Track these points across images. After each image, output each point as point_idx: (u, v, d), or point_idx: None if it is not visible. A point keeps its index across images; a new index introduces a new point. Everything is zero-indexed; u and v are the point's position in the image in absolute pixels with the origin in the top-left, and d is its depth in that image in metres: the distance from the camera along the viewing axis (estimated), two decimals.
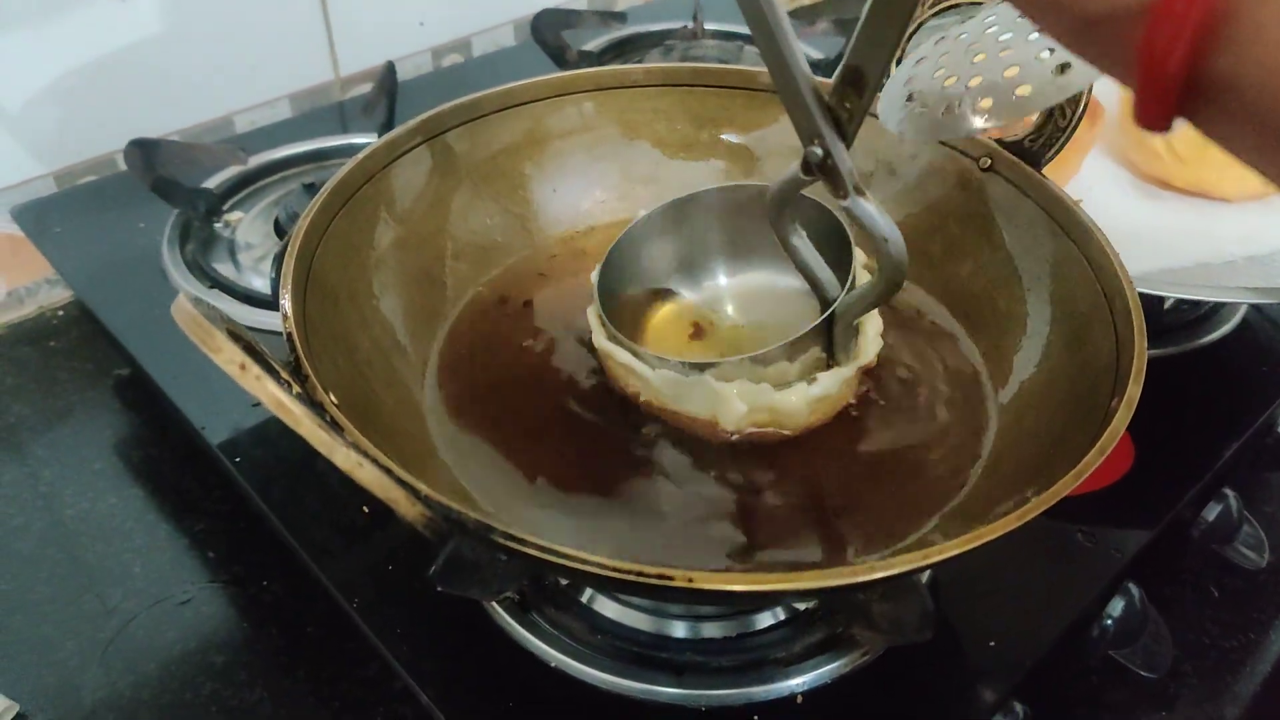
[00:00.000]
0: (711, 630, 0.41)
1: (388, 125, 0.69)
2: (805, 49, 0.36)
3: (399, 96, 0.73)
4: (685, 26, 0.84)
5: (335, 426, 0.29)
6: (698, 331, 0.45)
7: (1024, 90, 0.33)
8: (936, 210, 0.46)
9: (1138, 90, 0.19)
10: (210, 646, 0.45)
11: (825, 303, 0.41)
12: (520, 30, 0.88)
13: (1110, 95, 0.62)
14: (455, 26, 0.84)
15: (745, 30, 0.83)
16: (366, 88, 0.78)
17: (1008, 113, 0.33)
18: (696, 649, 0.41)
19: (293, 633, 0.46)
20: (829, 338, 0.41)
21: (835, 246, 0.41)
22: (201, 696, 0.43)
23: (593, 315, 0.42)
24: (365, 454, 0.27)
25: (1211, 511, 0.52)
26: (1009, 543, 0.45)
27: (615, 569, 0.27)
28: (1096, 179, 0.61)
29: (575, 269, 0.48)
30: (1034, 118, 0.43)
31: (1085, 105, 0.41)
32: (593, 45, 0.82)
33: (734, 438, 0.41)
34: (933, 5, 0.44)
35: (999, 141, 0.45)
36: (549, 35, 0.76)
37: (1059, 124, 0.42)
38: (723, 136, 0.51)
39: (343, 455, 0.26)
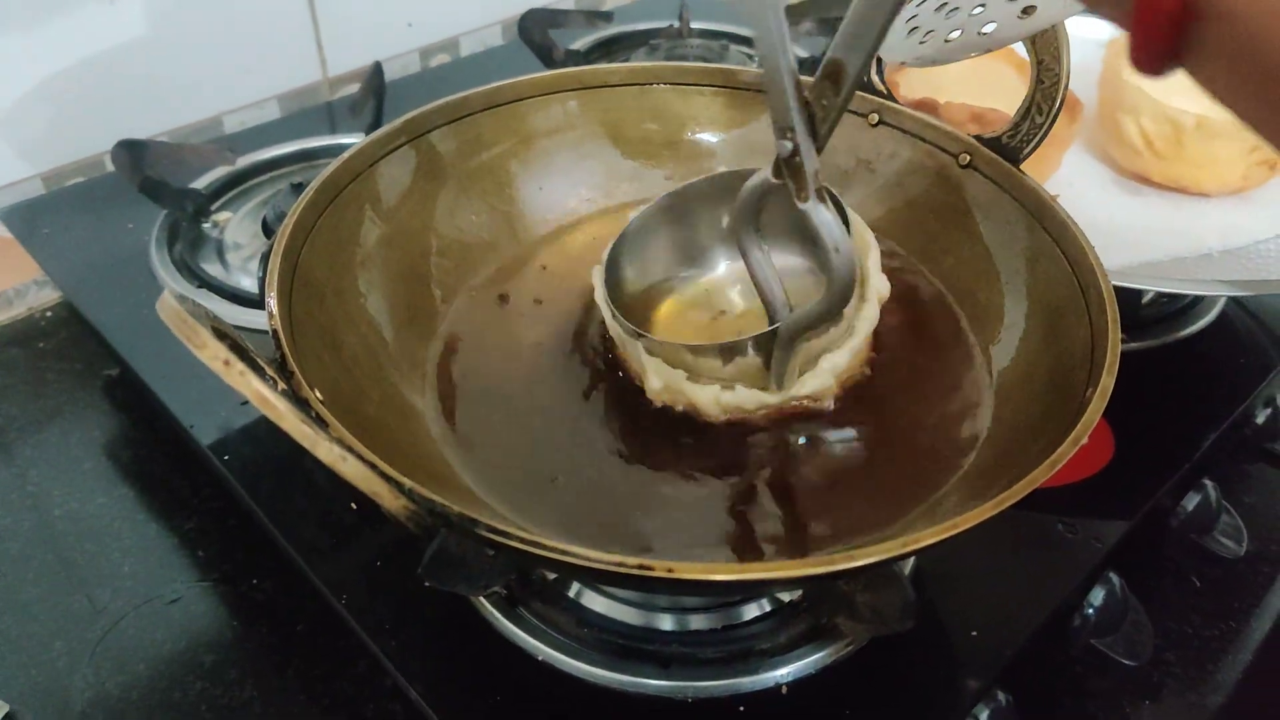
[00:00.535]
0: (698, 622, 0.42)
1: (375, 125, 0.69)
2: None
3: (387, 97, 0.73)
4: (671, 26, 0.84)
5: (320, 422, 0.29)
6: (717, 318, 0.45)
7: (1029, 10, 0.33)
8: (916, 206, 0.47)
9: (1134, 21, 0.19)
10: (200, 645, 0.45)
11: (773, 319, 0.40)
12: (508, 30, 0.89)
13: (1089, 92, 0.62)
14: (443, 27, 0.85)
15: (731, 29, 0.85)
16: (355, 88, 0.78)
17: (1011, 33, 0.33)
18: (683, 641, 0.41)
19: (283, 631, 0.46)
20: (768, 356, 0.40)
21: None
22: (191, 695, 0.43)
23: (597, 277, 0.42)
24: (349, 448, 0.27)
25: (1191, 501, 0.52)
26: (990, 533, 0.46)
27: (596, 560, 0.28)
28: (1076, 175, 0.62)
29: (562, 266, 0.49)
30: (1010, 114, 0.44)
31: (1062, 101, 0.42)
32: (580, 44, 0.82)
33: (659, 405, 0.41)
34: None
35: (977, 138, 0.45)
36: (536, 35, 0.76)
37: (1036, 120, 0.43)
38: (705, 135, 0.51)
39: (325, 449, 0.26)
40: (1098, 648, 0.47)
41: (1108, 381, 0.34)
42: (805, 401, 0.41)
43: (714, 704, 0.39)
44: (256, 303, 0.57)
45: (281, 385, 0.30)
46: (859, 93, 0.48)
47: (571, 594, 0.43)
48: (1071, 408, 0.34)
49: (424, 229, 0.46)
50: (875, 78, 0.48)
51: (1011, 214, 0.43)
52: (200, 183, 0.66)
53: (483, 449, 0.40)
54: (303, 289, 0.38)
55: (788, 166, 0.34)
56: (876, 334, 0.43)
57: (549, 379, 0.44)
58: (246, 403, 0.51)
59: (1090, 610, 0.47)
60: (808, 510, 0.39)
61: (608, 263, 0.42)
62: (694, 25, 0.84)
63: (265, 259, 0.56)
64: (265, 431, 0.51)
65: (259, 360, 0.30)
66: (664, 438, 0.42)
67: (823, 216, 0.34)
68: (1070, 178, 0.61)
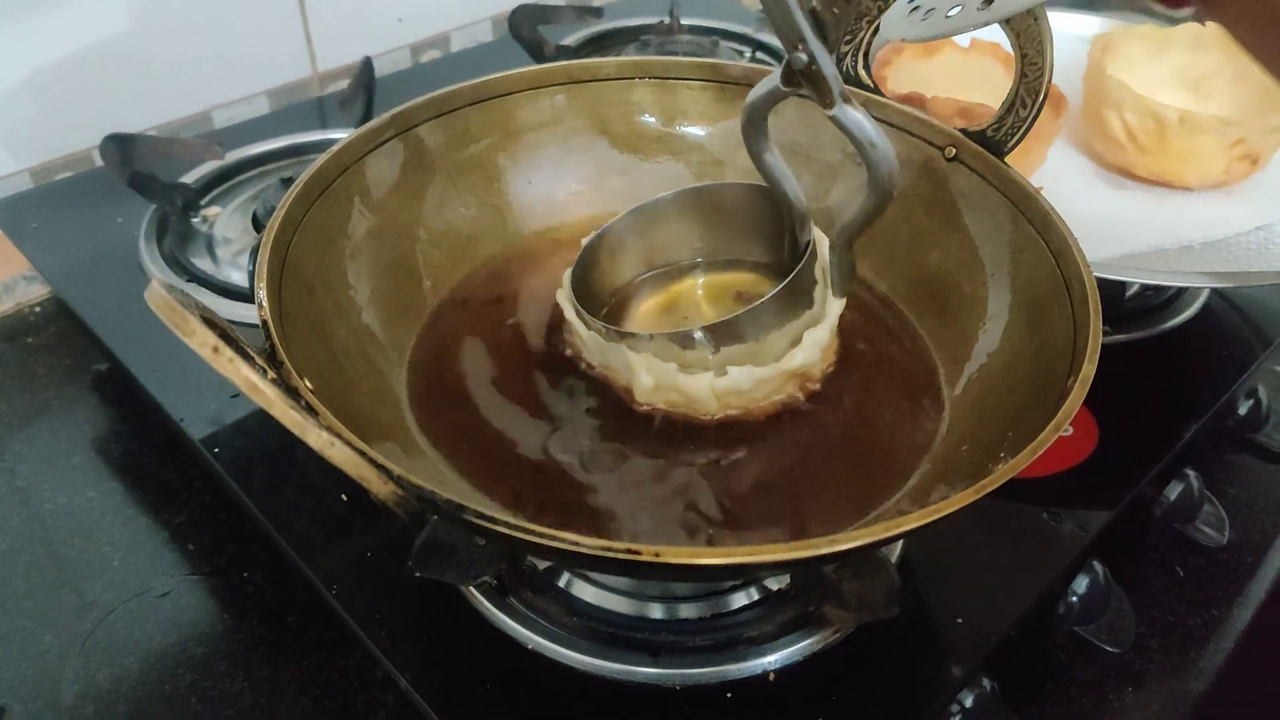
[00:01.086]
0: (686, 611, 0.42)
1: (365, 121, 0.69)
2: None
3: (377, 93, 0.73)
4: (661, 22, 0.85)
5: (310, 410, 0.30)
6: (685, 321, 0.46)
7: None
8: (902, 200, 0.47)
9: None
10: (190, 638, 0.45)
11: (797, 214, 0.42)
12: (498, 26, 0.89)
13: (1074, 87, 0.63)
14: (433, 23, 0.85)
15: (720, 25, 0.85)
16: (344, 84, 0.78)
17: (1011, 6, 0.34)
18: (672, 629, 0.41)
19: (273, 623, 0.46)
20: (795, 295, 0.41)
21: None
22: (181, 688, 0.44)
23: (566, 279, 0.43)
24: (338, 434, 0.27)
25: (1174, 491, 0.53)
26: (976, 522, 0.47)
27: (583, 545, 0.28)
28: (1061, 169, 0.62)
29: (550, 260, 0.49)
30: (996, 108, 0.44)
31: (1045, 96, 0.42)
32: (570, 40, 0.82)
33: (644, 409, 0.42)
34: None
35: (963, 131, 0.46)
36: (526, 30, 0.77)
37: (1021, 114, 0.43)
38: (693, 129, 0.51)
39: (315, 435, 0.26)
40: (1081, 635, 0.48)
41: (1089, 369, 0.34)
42: (798, 378, 0.41)
43: (703, 691, 0.39)
44: (246, 297, 0.57)
45: (271, 374, 0.30)
46: (847, 87, 0.48)
47: (561, 583, 0.43)
48: (1054, 395, 0.35)
49: (413, 222, 0.46)
50: (863, 72, 0.49)
51: (996, 206, 0.44)
52: (189, 177, 0.66)
53: (465, 440, 0.40)
54: (292, 281, 0.38)
55: (806, 77, 0.34)
56: (853, 329, 0.44)
57: (533, 372, 0.44)
58: (237, 395, 0.52)
59: (1074, 598, 0.47)
60: (790, 498, 0.39)
61: (574, 279, 0.43)
62: (684, 21, 0.84)
63: (255, 252, 0.56)
64: (256, 424, 0.51)
65: (248, 349, 0.30)
66: (644, 428, 0.42)
67: (852, 116, 0.34)
68: (1054, 172, 0.61)
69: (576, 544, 0.28)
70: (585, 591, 0.43)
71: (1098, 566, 0.48)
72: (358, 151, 0.44)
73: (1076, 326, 0.37)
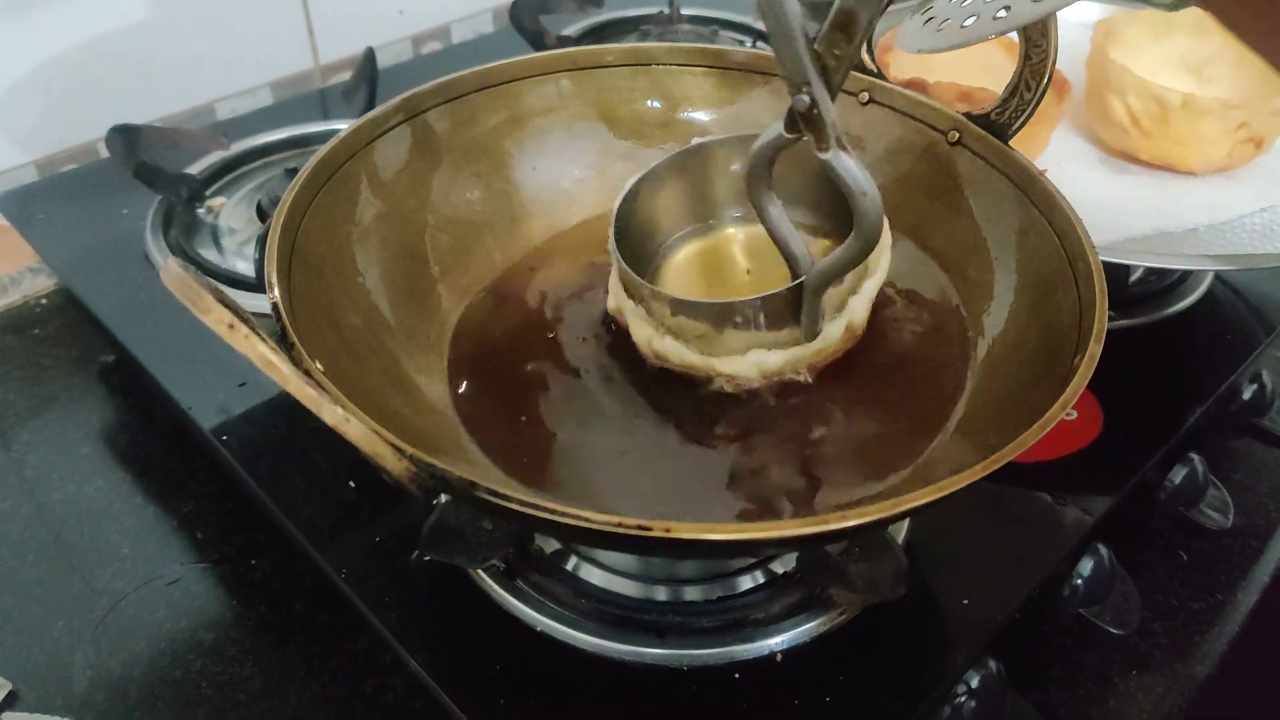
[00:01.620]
0: (693, 593, 0.42)
1: (368, 111, 0.69)
2: None
3: (379, 84, 0.73)
4: (661, 12, 0.85)
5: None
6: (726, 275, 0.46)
7: None
8: (906, 184, 0.47)
9: None
10: (200, 625, 0.46)
11: (799, 273, 0.41)
12: (499, 17, 0.89)
13: (1077, 72, 0.63)
14: (434, 14, 0.85)
15: (721, 15, 0.86)
16: (346, 76, 0.78)
17: (1025, 15, 0.34)
18: (679, 611, 0.42)
19: (282, 610, 0.46)
20: (796, 309, 0.41)
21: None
22: (192, 673, 0.44)
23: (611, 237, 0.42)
24: (353, 412, 0.27)
25: (1178, 475, 0.53)
26: (982, 504, 0.47)
27: (594, 521, 0.28)
28: (1064, 154, 0.62)
29: (558, 243, 0.49)
30: (999, 93, 0.44)
31: (1049, 79, 0.42)
32: (571, 30, 0.83)
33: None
34: None
35: (966, 115, 0.46)
36: (527, 20, 0.77)
37: (1025, 97, 0.43)
38: (698, 115, 0.52)
39: (330, 411, 0.27)
40: (1086, 617, 0.48)
41: (1095, 349, 0.35)
42: (831, 354, 0.42)
43: (710, 672, 0.40)
44: (252, 287, 0.57)
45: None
46: (850, 72, 0.48)
47: (569, 567, 0.43)
48: (1060, 375, 0.35)
49: (420, 207, 0.46)
50: (866, 57, 0.49)
51: (1000, 189, 0.44)
52: (194, 168, 0.66)
53: (483, 419, 0.41)
54: (301, 265, 0.38)
55: (805, 120, 0.35)
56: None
57: (546, 352, 0.44)
58: (244, 384, 0.53)
59: (1079, 580, 0.48)
60: (801, 476, 0.40)
61: (617, 222, 0.42)
62: (684, 11, 0.85)
63: (262, 240, 0.56)
64: (264, 413, 0.51)
65: (261, 332, 0.30)
66: (660, 403, 0.42)
67: (845, 163, 0.35)
68: (1058, 157, 0.61)
69: (588, 520, 0.28)
70: (593, 574, 0.43)
71: (1102, 549, 0.48)
72: (365, 137, 0.44)
73: (1082, 307, 0.37)
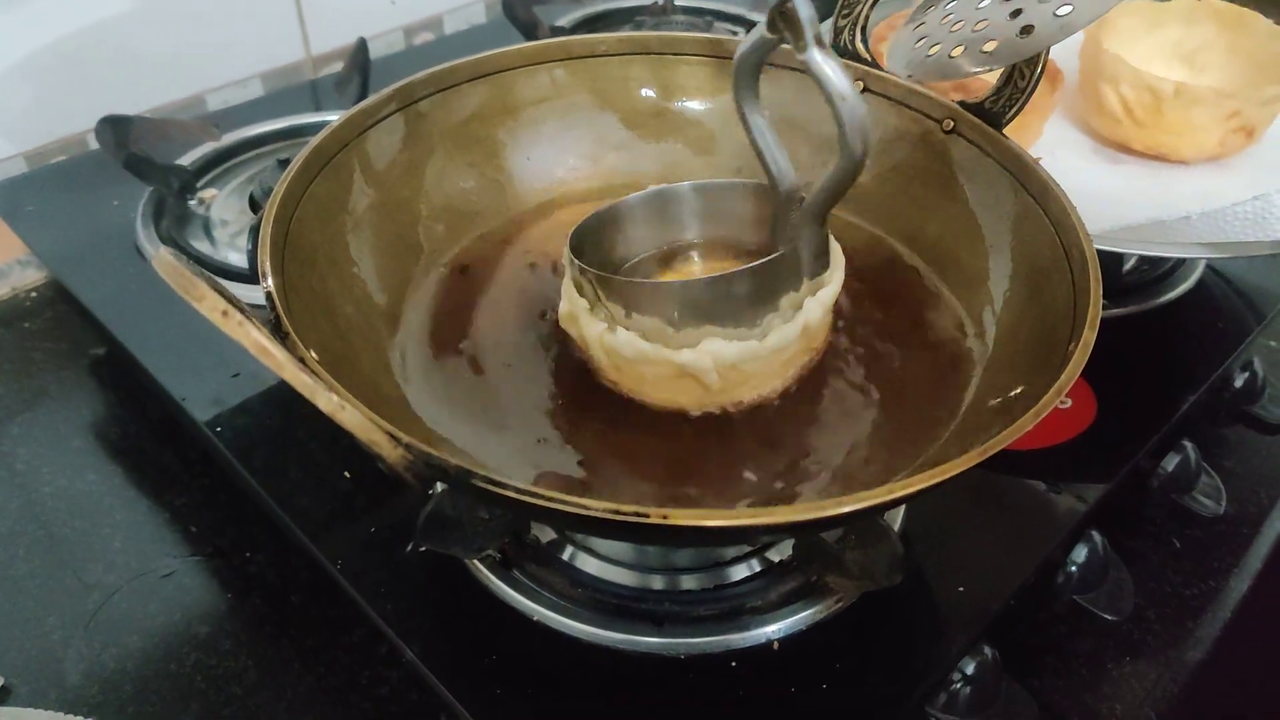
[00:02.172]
0: (690, 582, 0.42)
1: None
2: None
3: (371, 74, 0.73)
4: (656, 3, 0.85)
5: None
6: None
7: (1027, 30, 0.34)
8: (901, 172, 0.47)
9: None
10: (194, 618, 0.46)
11: (779, 192, 0.40)
12: (491, 7, 0.89)
13: (1070, 62, 0.63)
14: (426, 4, 0.85)
15: (714, 6, 0.85)
16: (338, 67, 0.78)
17: (1009, 52, 0.34)
18: (675, 600, 0.42)
19: (276, 603, 0.46)
20: (756, 298, 0.39)
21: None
22: (186, 666, 0.44)
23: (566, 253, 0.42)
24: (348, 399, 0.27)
25: (1171, 462, 0.53)
26: (977, 493, 0.47)
27: (591, 508, 0.28)
28: (1057, 143, 0.62)
29: (549, 235, 0.49)
30: (994, 80, 0.44)
31: (1043, 67, 0.42)
32: (564, 21, 0.82)
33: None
34: None
35: (961, 103, 0.46)
36: (520, 11, 0.77)
37: (1019, 85, 0.43)
38: (692, 104, 0.51)
39: (325, 399, 0.26)
40: (1080, 604, 0.48)
41: (1089, 335, 0.35)
42: (792, 362, 0.41)
43: (707, 660, 0.40)
44: (245, 278, 0.57)
45: None
46: (845, 61, 0.48)
47: (565, 556, 0.43)
48: (1055, 362, 0.35)
49: (414, 196, 0.46)
50: (860, 46, 0.49)
51: (995, 177, 0.44)
52: (186, 159, 0.66)
53: (465, 412, 0.40)
54: (295, 255, 0.38)
55: (783, 19, 0.32)
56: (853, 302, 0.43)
57: (530, 345, 0.44)
58: (238, 375, 0.52)
59: (1073, 567, 0.48)
60: (794, 469, 0.40)
61: (573, 251, 0.41)
62: (678, 2, 0.85)
63: (255, 231, 0.56)
64: (257, 404, 0.51)
65: (254, 319, 0.30)
66: (639, 407, 0.42)
67: (822, 64, 0.32)
68: (1051, 146, 0.61)
69: (584, 508, 0.28)
70: (589, 564, 0.43)
71: (1096, 536, 0.48)
72: (358, 126, 0.44)
73: (1076, 293, 0.37)
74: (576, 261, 0.40)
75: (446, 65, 0.47)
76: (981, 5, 0.37)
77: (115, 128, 0.63)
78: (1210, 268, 0.63)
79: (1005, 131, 0.44)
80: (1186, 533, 0.53)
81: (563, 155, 0.51)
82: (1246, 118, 0.58)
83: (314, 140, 0.41)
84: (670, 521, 0.28)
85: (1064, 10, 0.36)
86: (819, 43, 0.32)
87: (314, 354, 0.32)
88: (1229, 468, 0.57)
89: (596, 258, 0.43)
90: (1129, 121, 0.59)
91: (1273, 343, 0.65)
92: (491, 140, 0.49)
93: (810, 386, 0.42)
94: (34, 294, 0.65)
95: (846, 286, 0.43)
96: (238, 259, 0.59)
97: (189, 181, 0.64)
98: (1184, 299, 0.61)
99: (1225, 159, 0.61)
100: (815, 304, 0.40)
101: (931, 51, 0.38)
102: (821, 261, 0.40)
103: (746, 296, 0.39)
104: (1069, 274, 0.39)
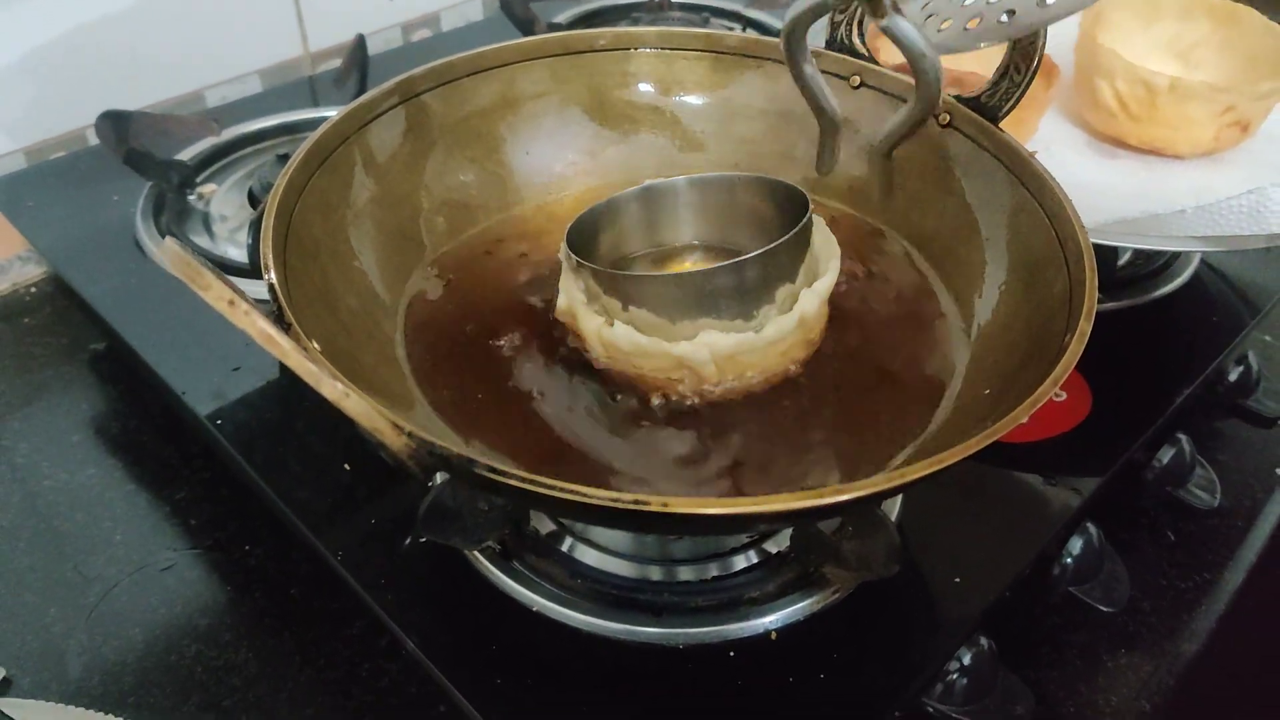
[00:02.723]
0: (688, 573, 0.43)
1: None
2: None
3: (369, 71, 0.73)
4: (653, 0, 0.85)
5: None
6: None
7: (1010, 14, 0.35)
8: (898, 167, 0.48)
9: None
10: (194, 610, 0.46)
11: (830, 127, 0.44)
12: (489, 4, 0.89)
13: (1066, 58, 0.63)
14: (424, 1, 0.85)
15: (711, 2, 0.86)
16: (336, 64, 0.78)
17: (1029, 20, 0.35)
18: (674, 590, 0.42)
19: (276, 595, 0.46)
20: (753, 291, 0.40)
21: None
22: (187, 658, 0.44)
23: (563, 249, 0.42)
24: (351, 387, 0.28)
25: (1165, 455, 0.54)
26: (973, 485, 0.48)
27: (591, 497, 0.28)
28: (1053, 138, 0.63)
29: (548, 228, 0.49)
30: (990, 74, 0.44)
31: (1039, 62, 0.43)
32: (562, 17, 0.82)
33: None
34: None
35: (957, 98, 0.46)
36: (518, 8, 0.77)
37: (1014, 79, 0.44)
38: (689, 99, 0.52)
39: (329, 386, 0.27)
40: (1076, 595, 0.48)
41: (1085, 327, 0.35)
42: (788, 355, 0.42)
43: (705, 650, 0.40)
44: (244, 273, 0.57)
45: None
46: (841, 56, 0.49)
47: (564, 548, 0.43)
48: (1050, 352, 0.35)
49: (414, 190, 0.46)
50: (857, 41, 0.49)
51: (991, 171, 0.44)
52: (185, 154, 0.66)
53: (466, 403, 0.41)
54: (297, 247, 0.38)
55: None
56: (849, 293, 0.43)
57: (530, 337, 0.44)
58: (238, 369, 0.53)
59: (1069, 559, 0.48)
60: (791, 459, 0.40)
61: (569, 245, 0.42)
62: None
63: (256, 225, 0.56)
64: (258, 397, 0.51)
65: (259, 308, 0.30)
66: (638, 397, 0.42)
67: (904, 27, 0.37)
68: (1047, 141, 0.62)
69: (584, 496, 0.28)
70: (588, 555, 0.43)
71: (1091, 528, 0.49)
72: (359, 120, 0.44)
73: (1072, 285, 0.37)
74: (574, 256, 0.41)
75: (447, 59, 0.48)
76: None
77: (115, 123, 0.63)
78: (1205, 262, 0.63)
79: (1001, 126, 0.45)
80: (1181, 525, 0.54)
81: (561, 150, 0.51)
82: (1241, 113, 0.58)
83: (315, 133, 0.42)
84: (669, 510, 0.28)
85: None
86: (897, 9, 0.37)
87: (316, 345, 0.33)
88: (1224, 461, 0.57)
89: (593, 252, 0.43)
90: (1124, 116, 0.60)
91: (1267, 337, 0.66)
92: (491, 135, 0.49)
93: (807, 377, 0.42)
94: (34, 289, 0.66)
95: (841, 278, 0.43)
96: (237, 253, 0.59)
97: (188, 177, 0.64)
98: (1179, 293, 0.61)
99: (1220, 154, 0.61)
100: (811, 295, 0.41)
101: (943, 27, 0.39)
102: (887, 192, 0.45)
103: (742, 288, 0.40)
104: (1064, 266, 0.39)
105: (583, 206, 0.44)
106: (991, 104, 0.45)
